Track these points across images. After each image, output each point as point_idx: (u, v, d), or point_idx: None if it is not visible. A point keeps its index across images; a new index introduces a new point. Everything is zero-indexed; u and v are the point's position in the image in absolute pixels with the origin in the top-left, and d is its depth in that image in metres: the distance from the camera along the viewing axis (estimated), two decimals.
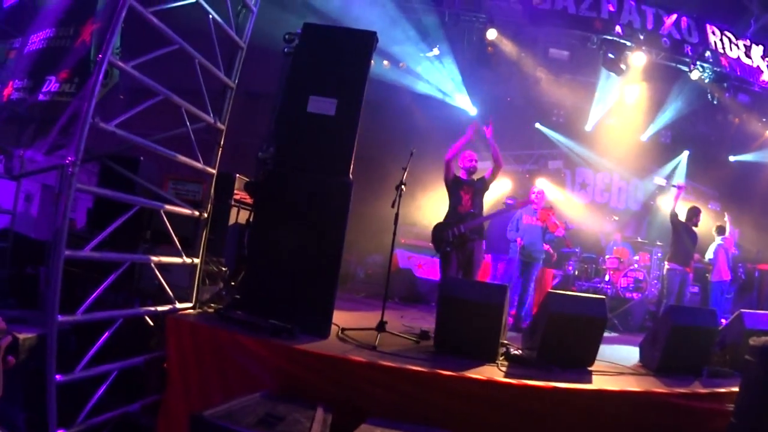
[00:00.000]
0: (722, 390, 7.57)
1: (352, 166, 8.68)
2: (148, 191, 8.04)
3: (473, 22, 17.59)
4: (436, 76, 19.12)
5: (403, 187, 9.26)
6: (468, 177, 10.91)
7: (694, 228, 14.00)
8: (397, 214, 9.20)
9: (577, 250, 16.78)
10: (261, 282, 8.60)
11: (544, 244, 13.26)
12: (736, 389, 7.07)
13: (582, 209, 20.61)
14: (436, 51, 18.20)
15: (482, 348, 7.92)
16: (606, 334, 10.24)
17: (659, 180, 21.09)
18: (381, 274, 16.09)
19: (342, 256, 8.52)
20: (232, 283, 9.28)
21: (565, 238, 13.82)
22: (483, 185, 10.85)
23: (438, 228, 10.78)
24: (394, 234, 9.29)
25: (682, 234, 13.87)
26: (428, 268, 16.41)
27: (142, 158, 8.90)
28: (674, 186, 14.95)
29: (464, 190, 10.69)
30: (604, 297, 8.72)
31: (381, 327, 8.65)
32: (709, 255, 15.85)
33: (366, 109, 8.61)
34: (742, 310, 9.45)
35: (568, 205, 20.13)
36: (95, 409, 6.79)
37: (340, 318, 9.09)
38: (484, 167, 11.28)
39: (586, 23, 16.93)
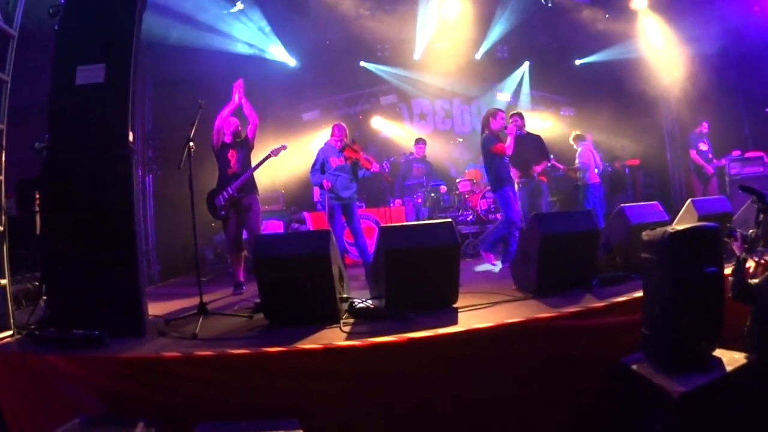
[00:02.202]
0: (621, 299, 6.66)
1: (131, 135, 7.35)
2: None
3: None
4: (247, 33, 17.52)
5: (191, 144, 8.10)
6: (233, 139, 10.83)
7: (527, 132, 12.81)
8: (190, 176, 8.00)
9: (422, 179, 15.68)
10: (64, 289, 7.24)
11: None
12: (637, 294, 6.31)
13: (426, 140, 19.08)
14: (239, 5, 16.50)
15: (319, 309, 6.80)
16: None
17: (502, 96, 20.39)
18: None
19: (135, 237, 7.16)
20: (44, 298, 7.94)
21: (384, 173, 12.77)
22: (247, 144, 10.86)
23: (209, 195, 10.69)
24: (192, 202, 8.05)
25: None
26: (273, 232, 14.91)
27: None
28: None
29: (230, 153, 10.70)
30: (449, 220, 7.51)
31: (203, 310, 7.44)
32: (579, 159, 15.12)
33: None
34: (623, 205, 8.51)
35: (409, 138, 18.80)
36: None
37: (178, 308, 8.52)
38: None
39: None
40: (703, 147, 15.47)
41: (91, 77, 7.40)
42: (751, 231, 6.23)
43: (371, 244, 11.36)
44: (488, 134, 11.54)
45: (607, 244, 8.28)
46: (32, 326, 7.31)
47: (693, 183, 16.02)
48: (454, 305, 6.97)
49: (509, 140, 11.29)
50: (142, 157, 14.35)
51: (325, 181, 11.46)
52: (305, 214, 15.17)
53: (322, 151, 11.83)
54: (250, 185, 10.71)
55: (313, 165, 11.80)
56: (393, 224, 8.65)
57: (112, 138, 7.27)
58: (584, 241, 7.51)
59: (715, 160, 15.33)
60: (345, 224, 11.64)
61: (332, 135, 11.80)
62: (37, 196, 9.01)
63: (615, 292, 6.86)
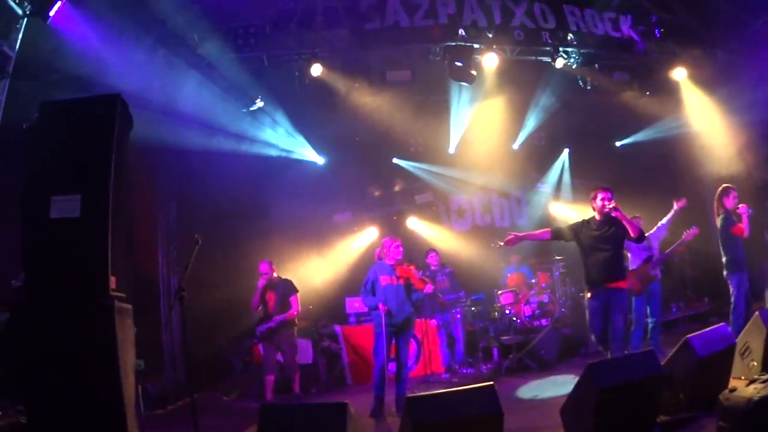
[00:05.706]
0: None
1: (114, 280, 6.45)
2: None
3: (297, 61, 15.07)
4: (270, 133, 16.80)
5: (183, 293, 7.25)
6: (268, 282, 12.26)
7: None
8: (183, 330, 7.53)
9: (461, 294, 14.58)
10: None
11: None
12: None
13: (464, 239, 18.56)
14: (259, 103, 15.64)
15: None
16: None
17: (545, 189, 19.72)
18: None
19: (121, 393, 6.19)
20: None
21: (437, 295, 12.31)
22: (286, 288, 12.28)
23: (258, 320, 12.18)
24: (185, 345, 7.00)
25: None
26: (301, 352, 13.61)
27: None
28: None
29: (268, 294, 12.19)
30: (491, 384, 6.42)
31: None
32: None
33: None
34: (689, 337, 7.40)
35: (446, 239, 18.21)
36: None
37: None
38: None
39: (423, 34, 14.70)
40: None
41: (66, 210, 6.53)
42: None
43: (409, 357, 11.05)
44: (726, 214, 11.00)
45: (671, 379, 7.23)
46: None
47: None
48: None
49: (744, 219, 10.68)
50: (166, 257, 14.19)
51: (381, 304, 10.29)
52: (337, 328, 14.12)
53: (373, 269, 10.91)
54: (285, 324, 11.98)
55: (364, 285, 10.79)
56: (422, 394, 7.61)
57: (90, 284, 6.39)
58: (647, 386, 6.50)
59: None
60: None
61: (383, 249, 10.82)
62: None
63: None
